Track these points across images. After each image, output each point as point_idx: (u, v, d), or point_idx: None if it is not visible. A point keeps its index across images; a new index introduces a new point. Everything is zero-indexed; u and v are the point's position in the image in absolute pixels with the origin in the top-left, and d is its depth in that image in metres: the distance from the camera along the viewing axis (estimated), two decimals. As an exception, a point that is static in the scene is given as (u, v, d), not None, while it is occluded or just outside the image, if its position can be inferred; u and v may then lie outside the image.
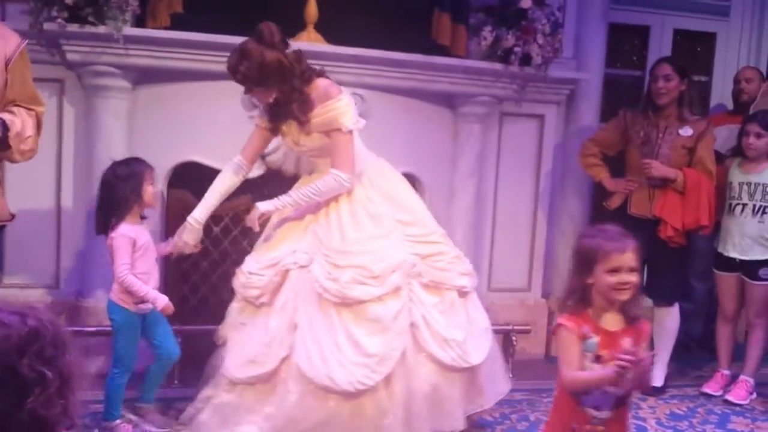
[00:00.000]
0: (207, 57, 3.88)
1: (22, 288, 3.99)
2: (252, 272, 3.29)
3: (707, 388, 4.38)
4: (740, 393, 4.26)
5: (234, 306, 3.36)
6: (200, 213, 3.39)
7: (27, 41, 2.98)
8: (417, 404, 3.17)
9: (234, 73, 3.17)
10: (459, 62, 4.35)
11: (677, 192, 4.22)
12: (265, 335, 3.17)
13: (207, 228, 3.51)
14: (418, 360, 3.20)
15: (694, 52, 5.63)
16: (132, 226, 3.28)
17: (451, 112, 4.51)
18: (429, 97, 4.42)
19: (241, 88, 3.28)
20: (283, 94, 3.22)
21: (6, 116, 2.83)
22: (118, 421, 3.34)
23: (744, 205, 4.28)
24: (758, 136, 4.25)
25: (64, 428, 1.33)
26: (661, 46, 5.37)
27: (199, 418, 3.21)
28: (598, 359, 2.36)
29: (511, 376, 3.94)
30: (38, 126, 2.98)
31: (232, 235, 4.31)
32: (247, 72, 3.13)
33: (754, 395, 4.32)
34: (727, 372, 4.42)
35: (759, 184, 4.24)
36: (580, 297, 2.41)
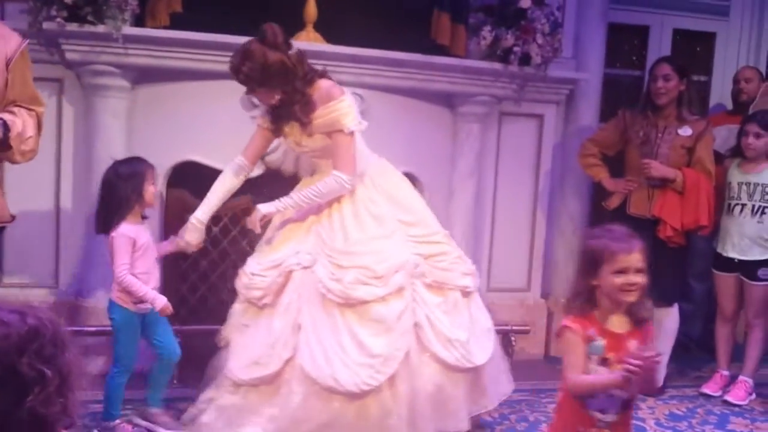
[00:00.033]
0: (206, 56, 3.88)
1: (22, 288, 3.99)
2: (255, 273, 3.28)
3: (706, 389, 4.38)
4: (739, 393, 4.26)
5: (236, 307, 3.36)
6: (202, 213, 3.39)
7: (28, 41, 2.96)
8: (421, 404, 3.17)
9: (237, 73, 3.17)
10: (458, 62, 4.35)
11: (676, 192, 4.22)
12: (269, 336, 3.17)
13: (206, 228, 3.50)
14: (422, 360, 3.20)
15: (694, 52, 5.63)
16: (132, 225, 3.27)
17: (451, 112, 4.51)
18: (428, 96, 4.42)
19: (240, 88, 3.28)
20: (285, 95, 3.22)
21: (7, 116, 2.80)
22: (117, 421, 3.33)
23: (743, 205, 4.28)
24: (757, 136, 4.25)
25: (63, 427, 1.33)
26: (660, 45, 5.38)
27: (202, 420, 3.21)
28: (604, 362, 2.33)
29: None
30: (39, 126, 2.96)
31: (231, 235, 4.31)
32: (250, 73, 3.13)
33: (753, 396, 4.32)
34: (726, 372, 4.42)
35: (758, 184, 4.25)
36: (585, 299, 2.37)
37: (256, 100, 3.50)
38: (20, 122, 2.84)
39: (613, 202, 4.43)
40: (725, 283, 4.37)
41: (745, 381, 4.30)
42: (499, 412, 3.79)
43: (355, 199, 3.32)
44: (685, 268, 4.53)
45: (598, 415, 2.36)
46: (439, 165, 4.49)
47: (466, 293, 3.41)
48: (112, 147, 3.83)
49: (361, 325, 3.13)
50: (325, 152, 3.34)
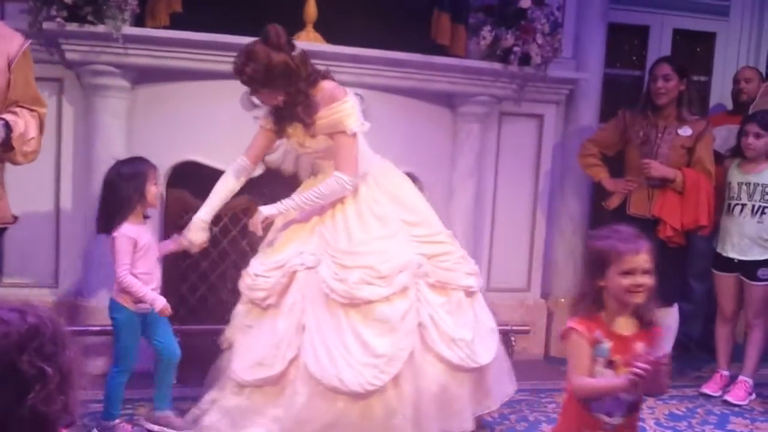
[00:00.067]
0: (206, 56, 3.88)
1: (22, 288, 3.98)
2: (258, 274, 3.28)
3: (706, 389, 4.38)
4: (739, 393, 4.26)
5: (240, 308, 3.35)
6: (205, 213, 3.39)
7: (30, 41, 2.94)
8: (426, 404, 3.17)
9: (240, 74, 3.16)
10: (458, 62, 4.35)
11: (676, 192, 4.22)
12: (273, 337, 3.16)
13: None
14: (426, 360, 3.19)
15: (694, 52, 5.64)
16: (134, 226, 3.26)
17: (451, 112, 4.52)
18: (428, 96, 4.42)
19: (240, 88, 3.28)
20: (289, 96, 3.22)
21: (9, 117, 2.79)
22: (117, 421, 3.33)
23: (743, 205, 4.28)
24: (757, 136, 4.25)
25: (64, 425, 1.34)
26: (660, 45, 5.38)
27: (206, 421, 3.20)
28: (610, 365, 2.30)
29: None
30: (41, 127, 2.95)
31: (231, 235, 4.31)
32: (254, 74, 3.13)
33: (753, 396, 4.32)
34: (726, 372, 4.42)
35: (758, 184, 4.25)
36: (592, 300, 2.34)
37: (256, 100, 3.50)
38: (23, 123, 2.83)
39: (613, 202, 4.43)
40: (725, 283, 4.37)
41: (745, 381, 4.30)
42: (499, 412, 3.78)
43: (358, 200, 3.32)
44: (685, 268, 4.53)
45: (605, 418, 2.33)
46: (439, 165, 4.49)
47: (469, 293, 3.41)
48: (112, 147, 3.82)
49: (365, 325, 3.13)
50: (328, 153, 3.34)
